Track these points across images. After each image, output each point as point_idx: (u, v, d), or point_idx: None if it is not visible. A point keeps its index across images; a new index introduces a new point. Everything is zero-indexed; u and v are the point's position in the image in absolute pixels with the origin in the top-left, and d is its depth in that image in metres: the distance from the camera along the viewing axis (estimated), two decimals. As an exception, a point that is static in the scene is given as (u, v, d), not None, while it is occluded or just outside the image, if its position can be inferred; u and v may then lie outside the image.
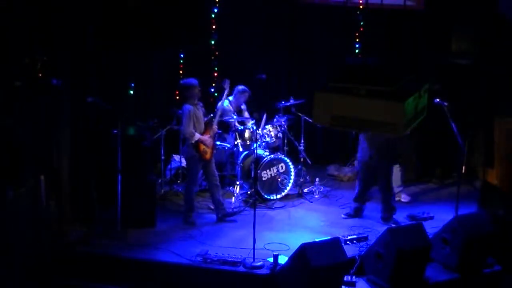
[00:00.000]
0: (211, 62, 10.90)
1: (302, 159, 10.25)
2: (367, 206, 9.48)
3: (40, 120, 7.74)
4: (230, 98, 10.04)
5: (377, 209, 9.47)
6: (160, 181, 9.90)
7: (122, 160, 8.28)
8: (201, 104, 8.88)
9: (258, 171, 9.44)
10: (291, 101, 10.17)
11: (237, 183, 9.64)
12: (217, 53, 10.90)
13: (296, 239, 8.15)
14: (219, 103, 9.46)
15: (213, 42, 10.85)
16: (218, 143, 9.64)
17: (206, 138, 8.71)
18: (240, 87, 10.02)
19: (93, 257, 7.88)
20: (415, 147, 10.45)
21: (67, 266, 7.81)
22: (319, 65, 11.20)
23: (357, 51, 10.79)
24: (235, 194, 9.51)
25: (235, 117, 9.76)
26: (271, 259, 7.64)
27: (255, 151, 9.06)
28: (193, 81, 8.73)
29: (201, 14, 10.80)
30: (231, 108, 9.95)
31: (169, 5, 10.21)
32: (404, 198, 9.78)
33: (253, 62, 10.73)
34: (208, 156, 8.75)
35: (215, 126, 8.93)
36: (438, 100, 8.95)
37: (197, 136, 8.63)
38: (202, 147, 8.67)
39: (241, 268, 7.59)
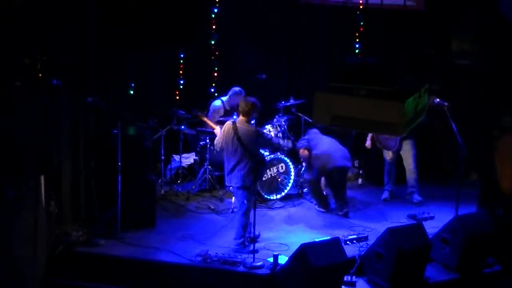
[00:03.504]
0: (211, 62, 10.89)
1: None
2: (368, 206, 9.51)
3: (40, 120, 7.72)
4: (224, 98, 10.02)
5: (378, 209, 9.49)
6: (160, 181, 9.90)
7: (122, 160, 8.28)
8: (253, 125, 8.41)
9: (258, 171, 9.42)
10: (291, 101, 10.16)
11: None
12: (217, 53, 10.89)
13: (296, 239, 8.16)
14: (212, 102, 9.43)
15: (213, 42, 10.84)
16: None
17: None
18: (237, 89, 9.90)
19: (93, 257, 7.88)
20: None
21: (67, 266, 7.81)
22: (319, 65, 11.19)
23: (357, 51, 10.78)
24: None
25: (234, 116, 9.74)
26: (271, 259, 7.64)
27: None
28: (253, 100, 8.24)
29: (201, 14, 10.78)
30: (222, 108, 9.92)
31: (169, 5, 10.19)
32: (415, 199, 9.75)
33: (253, 62, 10.72)
34: None
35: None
36: (438, 100, 8.95)
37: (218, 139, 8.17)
38: None
39: (241, 268, 7.59)
